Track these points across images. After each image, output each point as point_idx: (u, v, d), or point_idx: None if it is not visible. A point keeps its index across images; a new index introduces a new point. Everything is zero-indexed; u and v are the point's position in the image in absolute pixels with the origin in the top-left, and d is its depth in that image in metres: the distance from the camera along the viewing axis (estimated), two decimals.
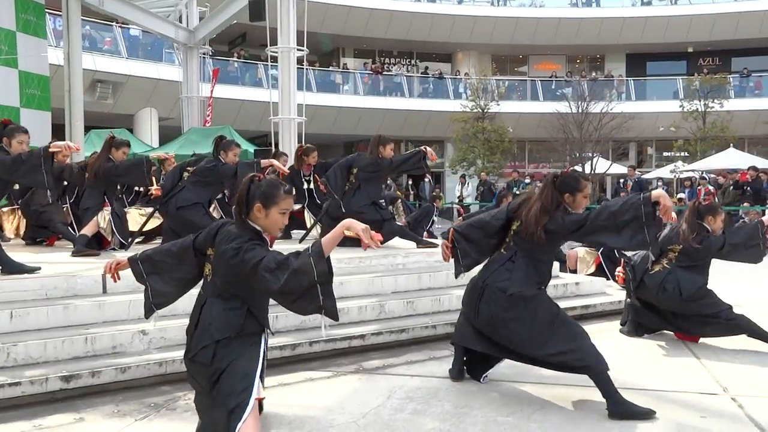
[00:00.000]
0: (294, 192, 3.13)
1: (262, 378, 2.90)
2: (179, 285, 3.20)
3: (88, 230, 6.19)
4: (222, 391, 2.79)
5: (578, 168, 21.22)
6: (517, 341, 3.77)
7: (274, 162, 6.63)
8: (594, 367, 3.58)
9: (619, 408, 3.49)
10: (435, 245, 6.88)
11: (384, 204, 7.18)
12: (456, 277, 4.16)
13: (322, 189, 7.35)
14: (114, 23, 19.56)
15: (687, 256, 4.92)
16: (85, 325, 4.31)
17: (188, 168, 6.30)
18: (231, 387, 2.77)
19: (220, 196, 7.22)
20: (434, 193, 17.98)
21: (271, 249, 2.92)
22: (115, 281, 3.28)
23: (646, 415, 3.48)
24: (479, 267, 4.06)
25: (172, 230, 6.07)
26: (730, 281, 7.13)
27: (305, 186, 7.76)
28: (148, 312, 3.22)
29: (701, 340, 5.13)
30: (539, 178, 24.23)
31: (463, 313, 4.10)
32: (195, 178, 6.20)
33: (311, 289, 2.79)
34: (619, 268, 5.25)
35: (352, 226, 2.85)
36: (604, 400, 3.54)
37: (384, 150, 6.74)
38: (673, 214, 3.85)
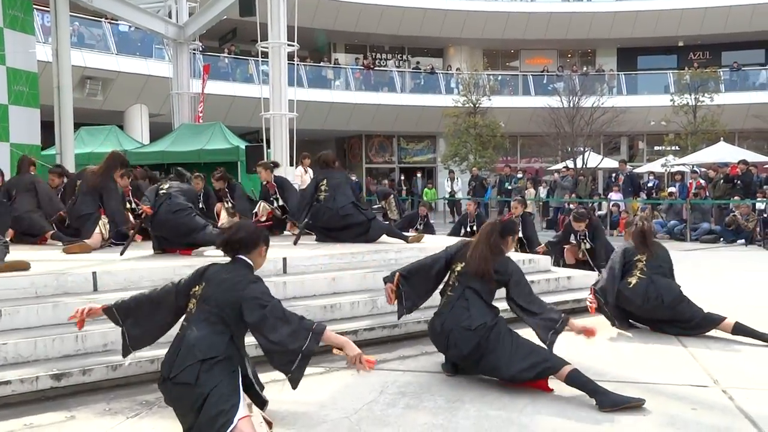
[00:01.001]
0: None
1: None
2: (156, 329, 3.38)
3: (94, 243, 6.23)
4: (208, 413, 2.85)
5: (569, 163, 21.30)
6: (494, 369, 3.91)
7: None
8: (567, 371, 3.68)
9: (607, 399, 3.52)
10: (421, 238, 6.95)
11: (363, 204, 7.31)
12: (398, 319, 4.48)
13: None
14: (103, 19, 19.41)
15: (656, 260, 5.20)
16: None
17: (161, 188, 6.24)
18: (217, 408, 2.84)
19: None
20: (420, 202, 17.93)
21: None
22: (79, 328, 3.43)
23: (635, 401, 3.51)
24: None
25: (165, 239, 6.04)
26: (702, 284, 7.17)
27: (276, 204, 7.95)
28: (125, 352, 3.42)
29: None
30: (531, 172, 24.31)
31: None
32: (174, 190, 6.15)
33: (294, 354, 3.02)
34: (589, 297, 5.29)
35: (347, 347, 3.14)
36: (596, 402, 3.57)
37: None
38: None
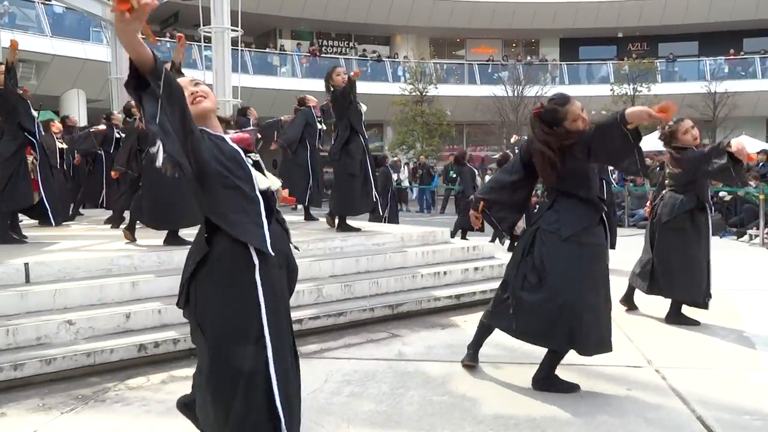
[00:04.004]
0: None
1: None
2: None
3: None
4: None
5: (512, 152, 21.69)
6: (557, 277, 3.50)
7: None
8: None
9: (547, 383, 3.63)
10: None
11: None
12: (499, 240, 4.22)
13: None
14: (36, 0, 18.59)
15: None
16: (6, 316, 4.11)
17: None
18: None
19: None
20: None
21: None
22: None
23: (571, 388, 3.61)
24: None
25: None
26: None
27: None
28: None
29: (628, 316, 5.34)
30: (477, 161, 24.62)
31: (502, 286, 3.80)
32: None
33: None
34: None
35: None
36: (533, 386, 3.66)
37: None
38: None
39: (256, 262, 2.29)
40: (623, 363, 4.12)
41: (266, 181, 2.38)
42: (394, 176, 23.27)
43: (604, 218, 3.64)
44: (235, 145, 2.36)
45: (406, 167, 22.95)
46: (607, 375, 3.91)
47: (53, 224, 6.43)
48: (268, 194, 2.38)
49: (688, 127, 5.04)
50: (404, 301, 5.43)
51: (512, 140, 9.62)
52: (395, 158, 23.16)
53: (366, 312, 5.17)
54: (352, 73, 6.77)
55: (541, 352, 4.32)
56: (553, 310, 3.47)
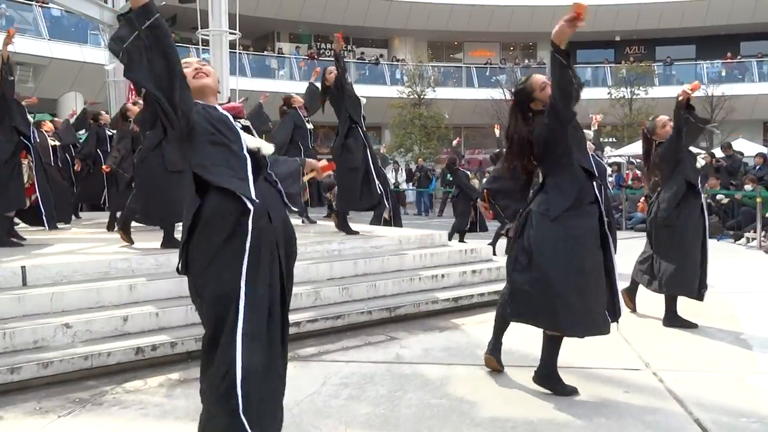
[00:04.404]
0: None
1: None
2: None
3: None
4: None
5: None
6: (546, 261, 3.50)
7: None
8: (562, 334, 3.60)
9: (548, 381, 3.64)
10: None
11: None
12: (504, 231, 4.31)
13: None
14: (33, 2, 18.60)
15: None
16: (3, 319, 4.09)
17: None
18: None
19: None
20: None
21: None
22: None
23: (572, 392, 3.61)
24: None
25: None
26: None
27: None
28: None
29: (626, 319, 5.34)
30: (475, 164, 24.63)
31: (508, 279, 3.78)
32: None
33: None
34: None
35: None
36: (530, 378, 3.65)
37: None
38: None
39: (249, 223, 2.32)
40: (621, 365, 4.12)
41: (255, 141, 2.45)
42: (392, 178, 23.38)
43: (598, 196, 3.60)
44: (224, 112, 2.47)
45: (402, 170, 22.94)
46: (605, 377, 3.91)
47: (47, 228, 6.41)
48: (257, 156, 2.45)
49: (665, 120, 5.19)
50: (402, 303, 5.43)
51: (496, 132, 9.73)
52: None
53: (364, 315, 5.16)
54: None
55: (537, 355, 4.32)
56: (539, 290, 3.49)
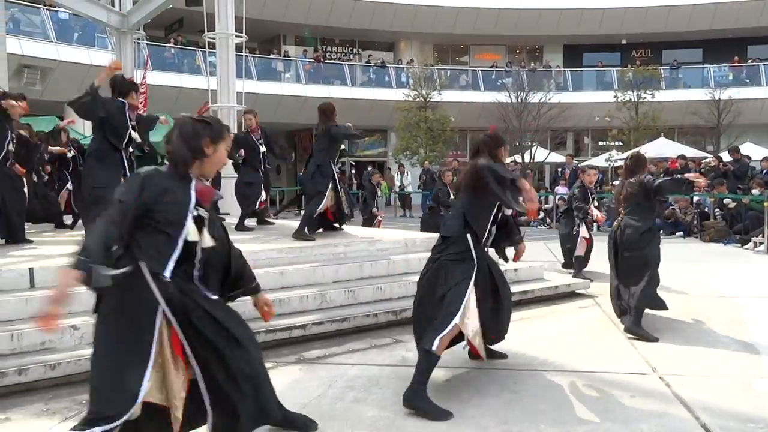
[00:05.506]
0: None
1: None
2: None
3: None
4: None
5: (517, 157, 21.68)
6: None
7: None
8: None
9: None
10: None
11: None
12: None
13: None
14: (42, 6, 18.70)
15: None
16: (10, 321, 4.12)
17: None
18: None
19: None
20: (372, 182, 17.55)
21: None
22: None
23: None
24: None
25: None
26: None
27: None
28: None
29: None
30: None
31: None
32: None
33: None
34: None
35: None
36: (538, 383, 3.64)
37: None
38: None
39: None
40: (627, 370, 4.11)
41: (196, 235, 2.57)
42: (398, 181, 23.37)
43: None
44: (192, 193, 2.60)
45: (409, 173, 22.93)
46: (612, 382, 3.90)
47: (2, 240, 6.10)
48: (196, 249, 2.58)
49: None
50: (408, 306, 5.37)
51: None
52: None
53: (370, 318, 5.17)
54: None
55: (544, 358, 4.31)
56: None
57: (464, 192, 3.87)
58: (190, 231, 2.55)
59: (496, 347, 4.20)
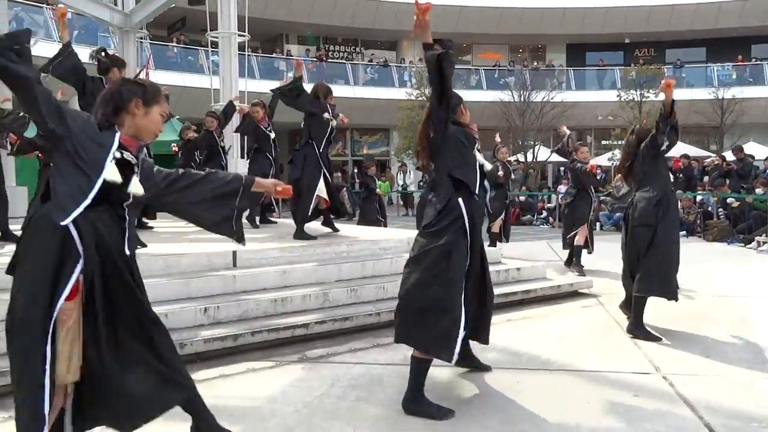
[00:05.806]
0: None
1: None
2: None
3: None
4: None
5: (520, 156, 21.66)
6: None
7: None
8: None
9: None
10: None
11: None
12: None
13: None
14: (45, 5, 18.72)
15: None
16: None
17: None
18: None
19: None
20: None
21: None
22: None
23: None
24: None
25: None
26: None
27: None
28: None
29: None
30: None
31: None
32: None
33: None
34: None
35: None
36: (541, 383, 3.63)
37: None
38: None
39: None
40: (631, 369, 4.10)
41: (116, 174, 2.50)
42: (400, 180, 23.39)
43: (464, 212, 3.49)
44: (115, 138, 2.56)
45: (412, 172, 22.92)
46: (615, 381, 3.89)
47: None
48: (115, 189, 2.51)
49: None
50: None
51: (497, 139, 9.95)
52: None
53: (372, 317, 5.16)
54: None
55: (546, 358, 4.31)
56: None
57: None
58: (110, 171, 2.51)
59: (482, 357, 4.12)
